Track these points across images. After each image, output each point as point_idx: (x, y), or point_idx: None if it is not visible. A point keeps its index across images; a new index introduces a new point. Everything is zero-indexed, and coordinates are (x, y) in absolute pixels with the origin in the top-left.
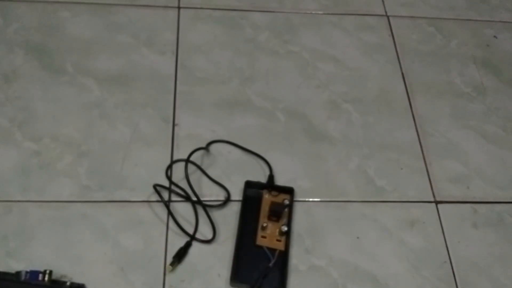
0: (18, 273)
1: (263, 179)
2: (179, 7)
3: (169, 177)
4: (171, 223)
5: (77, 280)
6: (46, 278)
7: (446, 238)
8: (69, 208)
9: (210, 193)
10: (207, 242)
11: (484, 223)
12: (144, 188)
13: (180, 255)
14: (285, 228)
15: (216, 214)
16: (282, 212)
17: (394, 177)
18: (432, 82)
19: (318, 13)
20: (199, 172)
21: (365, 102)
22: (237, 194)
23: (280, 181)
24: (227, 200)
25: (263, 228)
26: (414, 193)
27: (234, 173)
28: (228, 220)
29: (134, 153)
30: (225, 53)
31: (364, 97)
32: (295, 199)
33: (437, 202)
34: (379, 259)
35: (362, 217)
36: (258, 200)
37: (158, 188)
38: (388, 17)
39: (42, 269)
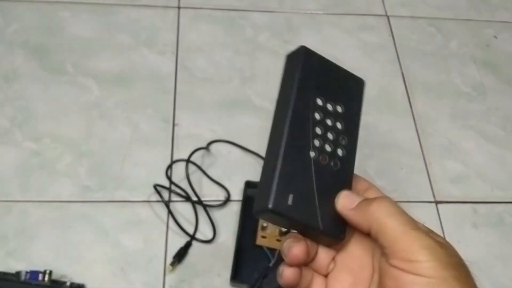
0: (18, 273)
1: None
2: (179, 7)
3: (169, 177)
4: (171, 223)
5: (77, 280)
6: (46, 278)
7: (446, 238)
8: (69, 208)
9: (210, 193)
10: (207, 242)
11: (484, 223)
12: (144, 188)
13: (180, 255)
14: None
15: (216, 214)
16: None
17: (394, 177)
18: (432, 82)
19: (318, 13)
20: (199, 172)
21: (365, 102)
22: (237, 194)
23: None
24: (227, 200)
25: (263, 228)
26: (414, 193)
27: (234, 173)
28: (228, 220)
29: (134, 153)
30: (225, 53)
31: (364, 97)
32: None
33: (437, 202)
34: None
35: None
36: None
37: (158, 188)
38: (388, 17)
39: (42, 269)
